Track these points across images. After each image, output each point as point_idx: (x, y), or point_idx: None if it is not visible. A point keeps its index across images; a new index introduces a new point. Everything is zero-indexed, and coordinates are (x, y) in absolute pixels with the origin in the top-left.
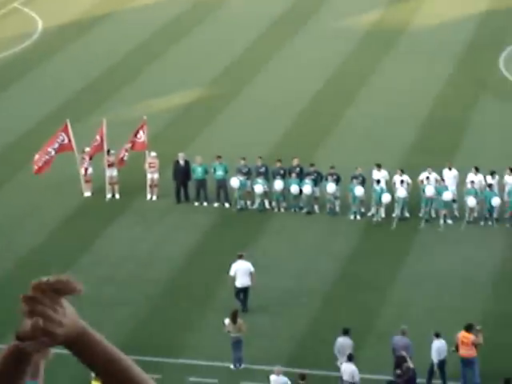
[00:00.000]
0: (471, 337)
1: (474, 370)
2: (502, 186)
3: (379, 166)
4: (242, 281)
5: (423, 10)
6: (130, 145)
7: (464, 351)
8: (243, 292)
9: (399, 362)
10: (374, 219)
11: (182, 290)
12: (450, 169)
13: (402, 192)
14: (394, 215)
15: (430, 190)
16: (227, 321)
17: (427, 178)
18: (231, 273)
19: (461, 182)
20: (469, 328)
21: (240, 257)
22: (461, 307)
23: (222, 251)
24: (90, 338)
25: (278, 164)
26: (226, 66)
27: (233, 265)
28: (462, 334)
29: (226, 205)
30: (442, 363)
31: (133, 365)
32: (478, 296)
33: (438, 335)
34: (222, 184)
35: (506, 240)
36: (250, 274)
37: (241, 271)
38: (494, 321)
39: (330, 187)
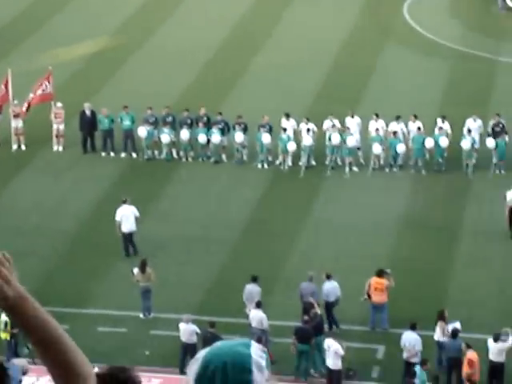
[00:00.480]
0: (384, 282)
1: (383, 315)
2: (406, 132)
3: (288, 116)
4: (127, 226)
5: None
6: (34, 95)
7: (377, 297)
8: (129, 237)
9: (307, 308)
10: (281, 167)
11: (90, 241)
12: (352, 116)
13: (307, 140)
14: (300, 163)
15: (335, 138)
16: (136, 270)
17: (333, 125)
18: (117, 218)
19: (365, 129)
20: (380, 273)
21: (124, 201)
22: (367, 253)
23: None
24: (29, 303)
25: (185, 113)
26: (131, 14)
27: (117, 210)
28: (375, 280)
29: (134, 155)
30: (331, 305)
31: (64, 333)
32: (384, 241)
33: (328, 276)
34: (129, 134)
35: (411, 186)
36: (136, 218)
37: (126, 216)
38: (400, 265)
39: (238, 136)
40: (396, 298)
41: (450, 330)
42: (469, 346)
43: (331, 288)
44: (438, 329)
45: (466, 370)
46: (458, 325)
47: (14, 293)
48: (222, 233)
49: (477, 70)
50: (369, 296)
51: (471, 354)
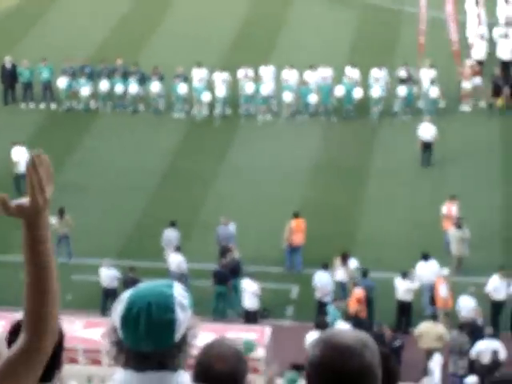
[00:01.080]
0: (303, 222)
1: (298, 257)
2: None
3: (199, 65)
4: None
5: None
6: None
7: (296, 238)
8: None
9: (224, 251)
10: (197, 117)
11: (10, 188)
12: (266, 65)
13: (221, 90)
14: (215, 113)
15: (249, 87)
16: (54, 218)
17: (246, 75)
18: (14, 159)
19: (278, 79)
20: (297, 215)
21: (14, 144)
22: (281, 197)
23: (51, 151)
24: (46, 218)
25: (102, 64)
26: None
27: (12, 151)
28: (296, 223)
29: (53, 105)
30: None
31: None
32: (296, 186)
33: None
34: (48, 85)
35: (321, 132)
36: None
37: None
38: (311, 209)
39: (154, 86)
40: (308, 240)
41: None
42: (355, 284)
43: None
44: (339, 271)
45: (353, 306)
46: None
47: (42, 202)
48: (140, 180)
49: (383, 21)
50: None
51: (358, 292)
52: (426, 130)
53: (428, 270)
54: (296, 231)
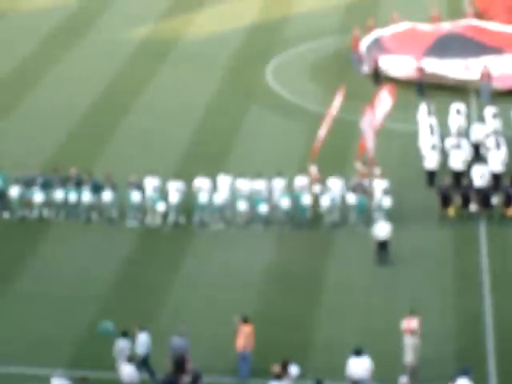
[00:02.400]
0: (250, 327)
1: (247, 364)
2: (270, 190)
3: (152, 172)
4: None
5: (193, 24)
6: None
7: (246, 343)
8: None
9: (178, 362)
10: (152, 226)
11: None
12: (224, 174)
13: (174, 198)
14: (169, 221)
15: (203, 197)
16: None
17: (199, 184)
18: None
19: (232, 188)
20: (246, 320)
21: None
22: (235, 306)
23: (3, 260)
24: None
25: (56, 173)
26: (3, 78)
27: None
28: (246, 328)
29: (6, 214)
30: (146, 356)
31: None
32: (251, 295)
33: (142, 329)
34: (1, 194)
35: (274, 242)
36: None
37: None
38: (262, 318)
39: (107, 195)
40: (261, 348)
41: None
42: None
43: (146, 340)
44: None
45: None
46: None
47: None
48: (92, 290)
49: (337, 132)
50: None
51: None
52: (382, 229)
53: (360, 367)
54: (249, 337)
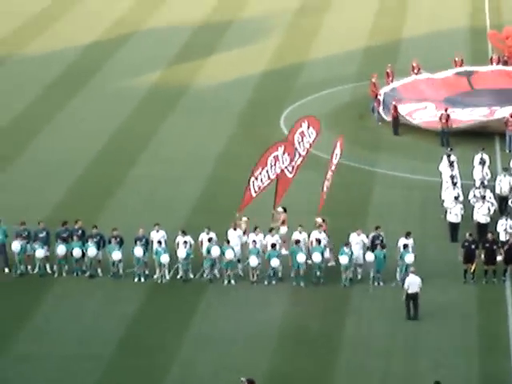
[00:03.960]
0: None
1: None
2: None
3: (158, 225)
4: None
5: (205, 70)
6: None
7: None
8: None
9: None
10: (159, 281)
11: None
12: (234, 229)
13: (182, 253)
14: (178, 277)
15: (215, 251)
16: None
17: (210, 239)
18: None
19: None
20: (252, 382)
21: None
22: (246, 366)
23: (3, 319)
24: None
25: (60, 227)
26: (3, 128)
27: None
28: None
29: (6, 270)
30: None
31: None
32: (264, 355)
33: None
34: (2, 249)
35: (289, 298)
36: None
37: None
38: (279, 379)
39: (115, 253)
40: None
41: None
42: None
43: None
44: None
45: None
46: None
47: None
48: (97, 349)
49: (355, 182)
50: None
51: None
52: (413, 282)
53: None
54: None
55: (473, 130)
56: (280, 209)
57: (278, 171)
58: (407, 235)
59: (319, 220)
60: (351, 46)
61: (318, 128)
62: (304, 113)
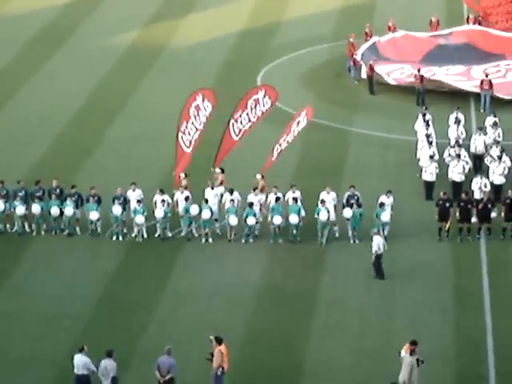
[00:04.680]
0: (224, 348)
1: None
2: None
3: (135, 184)
4: None
5: (181, 30)
6: None
7: (220, 363)
8: None
9: (166, 381)
10: (137, 239)
11: None
12: (212, 188)
13: (160, 212)
14: (156, 235)
15: (194, 209)
16: None
17: (187, 197)
18: None
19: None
20: (220, 340)
21: None
22: (223, 324)
23: None
24: None
25: (37, 185)
26: None
27: None
28: (219, 348)
29: None
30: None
31: None
32: (241, 312)
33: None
34: None
35: (266, 256)
36: None
37: None
38: (256, 336)
39: (92, 212)
40: (256, 371)
41: None
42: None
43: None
44: None
45: None
46: None
47: None
48: (76, 307)
49: (331, 141)
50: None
51: None
52: (377, 243)
53: None
54: (218, 357)
55: (448, 90)
56: (218, 169)
57: (259, 114)
58: (388, 193)
59: (258, 176)
60: (327, 6)
61: (274, 98)
62: (281, 73)
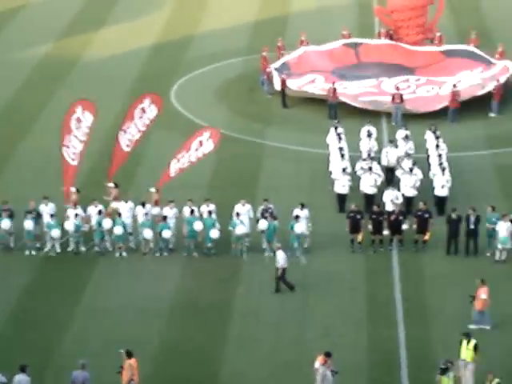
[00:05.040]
0: (134, 361)
1: None
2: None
3: (47, 198)
4: None
5: (94, 44)
6: None
7: (130, 377)
8: None
9: None
10: (50, 254)
11: None
12: (126, 202)
13: (70, 225)
14: (69, 249)
15: (106, 223)
16: None
17: (99, 211)
18: None
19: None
20: (129, 354)
21: None
22: (137, 338)
23: None
24: None
25: None
26: None
27: None
28: (129, 362)
29: None
30: None
31: None
32: (156, 325)
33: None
34: None
35: (181, 269)
36: None
37: None
38: (170, 350)
39: (5, 223)
40: (165, 382)
41: None
42: None
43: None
44: None
45: None
46: None
47: None
48: None
49: (244, 154)
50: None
51: None
52: (280, 258)
53: None
54: (128, 371)
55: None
56: (111, 184)
57: (148, 122)
58: (301, 206)
59: (152, 189)
60: (241, 20)
61: (159, 105)
62: (194, 86)
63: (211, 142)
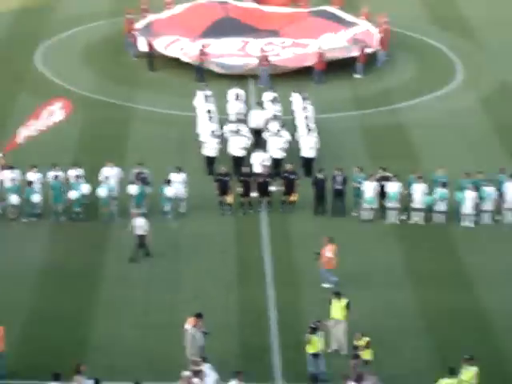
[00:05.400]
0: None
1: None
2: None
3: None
4: None
5: None
6: None
7: None
8: None
9: None
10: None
11: None
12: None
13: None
14: None
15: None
16: None
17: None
18: None
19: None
20: None
21: None
22: (5, 304)
23: None
24: None
25: None
26: None
27: None
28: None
29: None
30: None
31: None
32: (24, 291)
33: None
34: None
35: (48, 235)
36: None
37: None
38: (39, 316)
39: None
40: (35, 348)
41: None
42: None
43: None
44: None
45: None
46: None
47: None
48: None
49: (112, 118)
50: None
51: None
52: (138, 225)
53: None
54: None
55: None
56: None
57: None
58: (179, 170)
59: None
60: None
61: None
62: (60, 49)
63: (63, 112)
